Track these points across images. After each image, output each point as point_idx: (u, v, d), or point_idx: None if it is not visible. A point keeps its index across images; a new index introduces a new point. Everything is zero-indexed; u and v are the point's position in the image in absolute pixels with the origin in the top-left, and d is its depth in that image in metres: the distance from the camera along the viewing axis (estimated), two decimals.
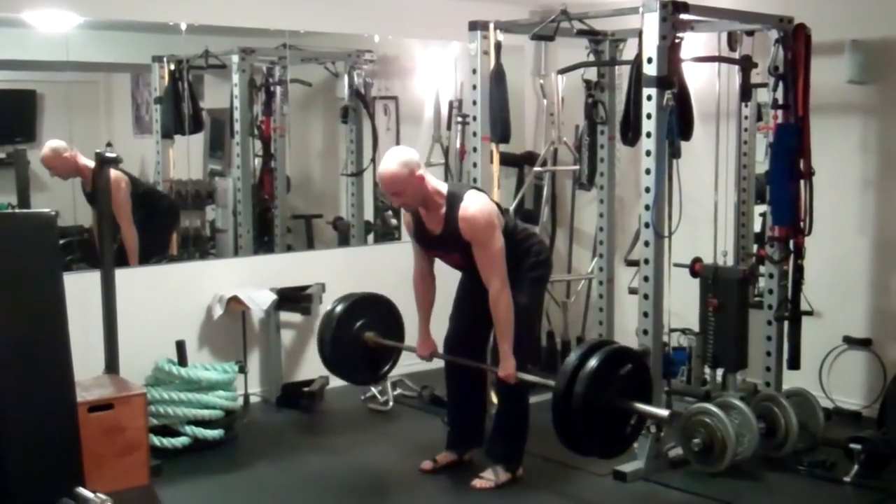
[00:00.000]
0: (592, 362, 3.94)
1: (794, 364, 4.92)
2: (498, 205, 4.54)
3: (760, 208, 5.74)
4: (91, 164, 5.28)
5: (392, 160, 4.26)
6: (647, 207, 4.54)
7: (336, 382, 5.91)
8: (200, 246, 6.67)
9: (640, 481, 4.57)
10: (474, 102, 5.23)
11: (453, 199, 4.33)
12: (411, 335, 4.84)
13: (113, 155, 4.66)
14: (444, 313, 4.77)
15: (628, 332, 5.78)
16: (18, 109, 6.08)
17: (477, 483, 4.53)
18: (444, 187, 4.39)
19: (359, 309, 4.93)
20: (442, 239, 4.42)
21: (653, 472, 4.60)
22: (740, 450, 4.59)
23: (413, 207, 4.42)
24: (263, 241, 6.77)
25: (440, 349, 4.77)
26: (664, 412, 4.05)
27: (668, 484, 4.53)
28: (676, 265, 5.23)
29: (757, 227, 5.83)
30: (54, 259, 3.90)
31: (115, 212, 5.48)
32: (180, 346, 5.11)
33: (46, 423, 3.74)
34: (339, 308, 4.90)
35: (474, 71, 5.19)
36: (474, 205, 4.29)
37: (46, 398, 3.77)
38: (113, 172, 5.34)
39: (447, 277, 4.73)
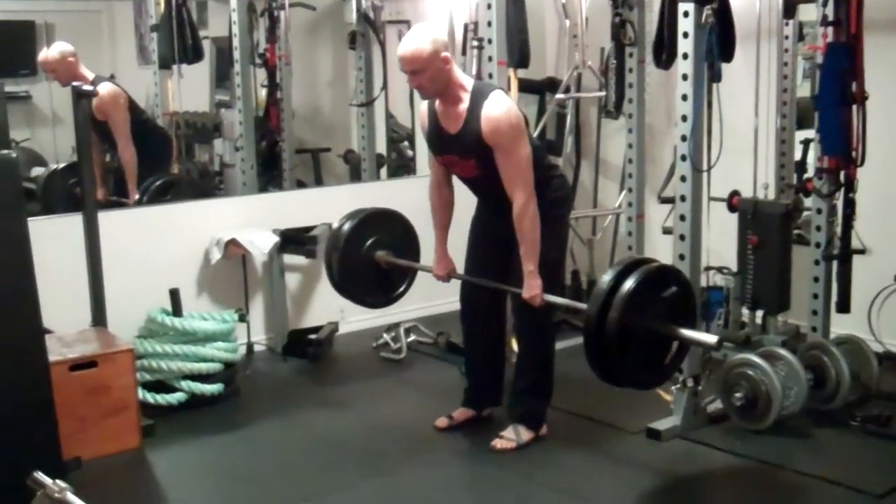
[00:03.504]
0: (629, 283, 3.51)
1: (844, 307, 4.51)
2: (526, 118, 4.08)
3: (801, 135, 5.40)
4: (91, 76, 5.29)
5: (418, 34, 3.82)
6: (683, 138, 4.12)
7: (346, 328, 5.68)
8: (208, 182, 6.42)
9: (676, 439, 4.20)
10: (489, 24, 4.78)
11: (477, 96, 3.89)
12: (428, 256, 4.48)
13: (89, 88, 4.25)
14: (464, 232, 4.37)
15: None
16: (17, 41, 5.81)
17: (497, 444, 4.17)
18: (469, 82, 3.96)
19: (370, 226, 4.53)
20: (458, 140, 3.96)
21: (690, 430, 4.23)
22: (786, 404, 4.20)
23: (430, 94, 3.96)
24: (273, 175, 6.47)
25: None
26: (712, 339, 3.59)
27: (707, 442, 4.16)
28: (713, 199, 4.89)
29: (797, 156, 5.49)
30: (16, 202, 3.50)
31: (112, 129, 5.52)
32: (174, 294, 4.76)
33: (12, 387, 3.37)
34: (347, 225, 4.49)
35: None
36: (500, 105, 3.85)
37: (10, 358, 3.39)
38: (112, 86, 5.44)
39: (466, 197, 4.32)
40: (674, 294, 3.61)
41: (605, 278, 3.56)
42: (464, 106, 3.90)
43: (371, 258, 4.48)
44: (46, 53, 5.41)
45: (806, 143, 5.45)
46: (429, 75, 3.83)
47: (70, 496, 2.57)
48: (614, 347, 3.49)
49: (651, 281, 3.56)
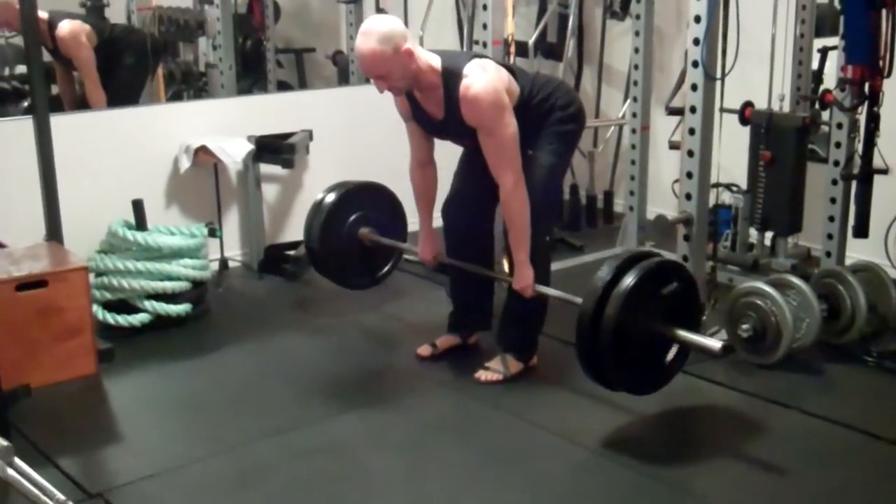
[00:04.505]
0: (629, 280, 3.22)
1: (862, 231, 4.19)
2: (510, 69, 3.75)
3: (819, 43, 5.06)
4: (45, 16, 4.87)
5: (369, 36, 3.43)
6: (695, 42, 3.78)
7: None
8: (191, 84, 6.11)
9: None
10: None
11: (450, 77, 3.55)
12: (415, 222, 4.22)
13: None
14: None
15: (664, 185, 5.26)
16: None
17: (482, 375, 3.87)
18: (437, 61, 3.59)
19: (353, 201, 4.34)
20: (447, 125, 3.69)
21: (691, 363, 3.87)
22: (797, 337, 3.89)
23: (403, 90, 3.66)
24: (258, 77, 6.26)
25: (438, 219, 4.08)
26: (716, 344, 3.29)
27: (710, 378, 3.86)
28: (724, 111, 4.57)
29: (815, 65, 5.13)
30: None
31: (78, 69, 5.25)
32: (138, 205, 4.42)
33: None
34: (329, 198, 4.30)
35: None
36: (476, 82, 3.51)
37: None
38: (71, 23, 5.11)
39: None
40: (674, 291, 3.31)
41: (602, 273, 3.27)
42: (441, 91, 3.60)
43: (354, 235, 4.32)
44: None
45: (824, 51, 5.08)
46: (396, 76, 3.50)
47: None
48: (609, 346, 3.23)
49: (652, 276, 3.27)
